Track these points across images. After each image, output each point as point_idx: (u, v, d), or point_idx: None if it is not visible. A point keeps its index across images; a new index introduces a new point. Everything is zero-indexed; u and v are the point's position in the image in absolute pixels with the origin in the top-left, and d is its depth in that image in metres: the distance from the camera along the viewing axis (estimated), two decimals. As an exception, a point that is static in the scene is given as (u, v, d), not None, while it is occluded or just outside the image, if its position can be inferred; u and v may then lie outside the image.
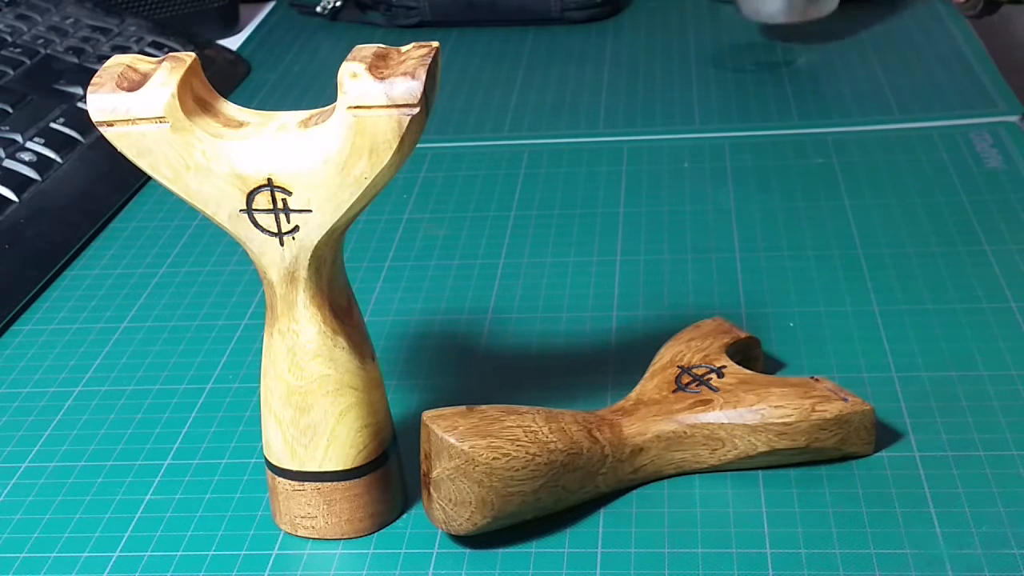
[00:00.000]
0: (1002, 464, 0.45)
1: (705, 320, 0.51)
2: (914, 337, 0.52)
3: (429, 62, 0.38)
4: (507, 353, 0.54)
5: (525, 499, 0.42)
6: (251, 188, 0.39)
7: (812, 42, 0.84)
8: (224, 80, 0.85)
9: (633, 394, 0.47)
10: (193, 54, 0.40)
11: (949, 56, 0.80)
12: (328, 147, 0.38)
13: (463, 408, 0.43)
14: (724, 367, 0.47)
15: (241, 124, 0.40)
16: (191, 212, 0.68)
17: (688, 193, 0.66)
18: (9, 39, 0.82)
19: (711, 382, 0.46)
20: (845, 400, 0.45)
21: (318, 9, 0.97)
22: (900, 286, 0.56)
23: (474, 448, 0.41)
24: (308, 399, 0.42)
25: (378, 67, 0.38)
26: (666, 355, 0.48)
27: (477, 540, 0.43)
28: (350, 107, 0.38)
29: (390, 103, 0.37)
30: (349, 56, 0.38)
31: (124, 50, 0.84)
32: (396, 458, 0.45)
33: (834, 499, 0.44)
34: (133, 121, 0.39)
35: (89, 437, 0.51)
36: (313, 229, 0.40)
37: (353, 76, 0.38)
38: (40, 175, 0.69)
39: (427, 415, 0.42)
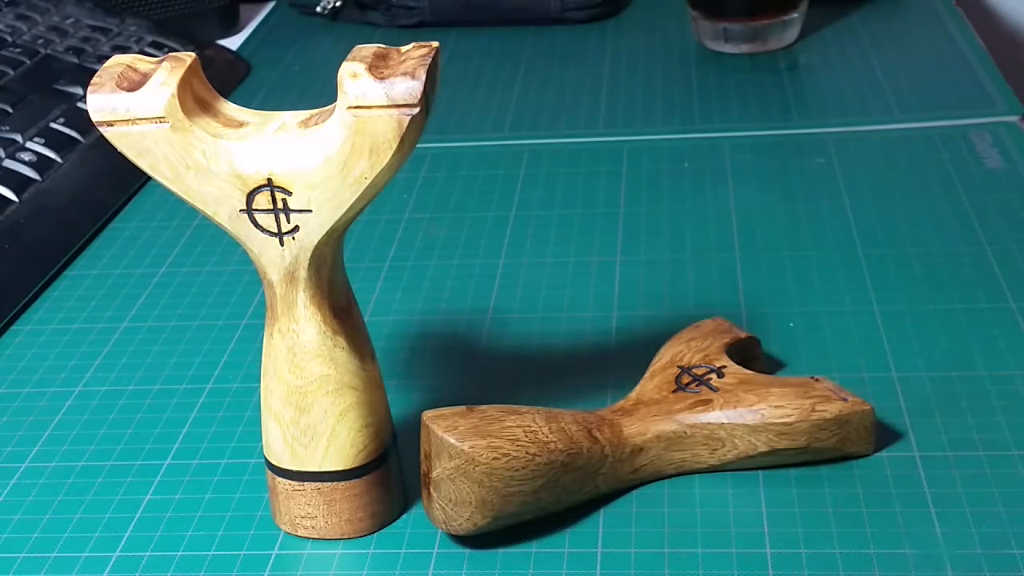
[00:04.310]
0: (1002, 464, 0.45)
1: (705, 320, 0.51)
2: (914, 337, 0.52)
3: (429, 62, 0.38)
4: (507, 353, 0.54)
5: (525, 499, 0.42)
6: (251, 188, 0.39)
7: (812, 42, 0.84)
8: (224, 80, 0.85)
9: (633, 394, 0.47)
10: (193, 54, 0.40)
11: (949, 56, 0.80)
12: (328, 147, 0.38)
13: (463, 408, 0.43)
14: (724, 367, 0.47)
15: (241, 124, 0.40)
16: (191, 212, 0.68)
17: (688, 193, 0.66)
18: (9, 39, 0.82)
19: (711, 382, 0.46)
20: (845, 400, 0.45)
21: (318, 9, 0.97)
22: (900, 286, 0.56)
23: (474, 448, 0.41)
24: (308, 399, 0.42)
25: (378, 67, 0.38)
26: (666, 355, 0.48)
27: (477, 540, 0.43)
28: (350, 107, 0.38)
29: (390, 103, 0.37)
30: (349, 56, 0.38)
31: (124, 50, 0.84)
32: (396, 458, 0.45)
33: (834, 499, 0.44)
34: (133, 121, 0.39)
35: (89, 437, 0.51)
36: (313, 229, 0.40)
37: (353, 76, 0.38)
38: (40, 175, 0.69)
39: (427, 415, 0.42)
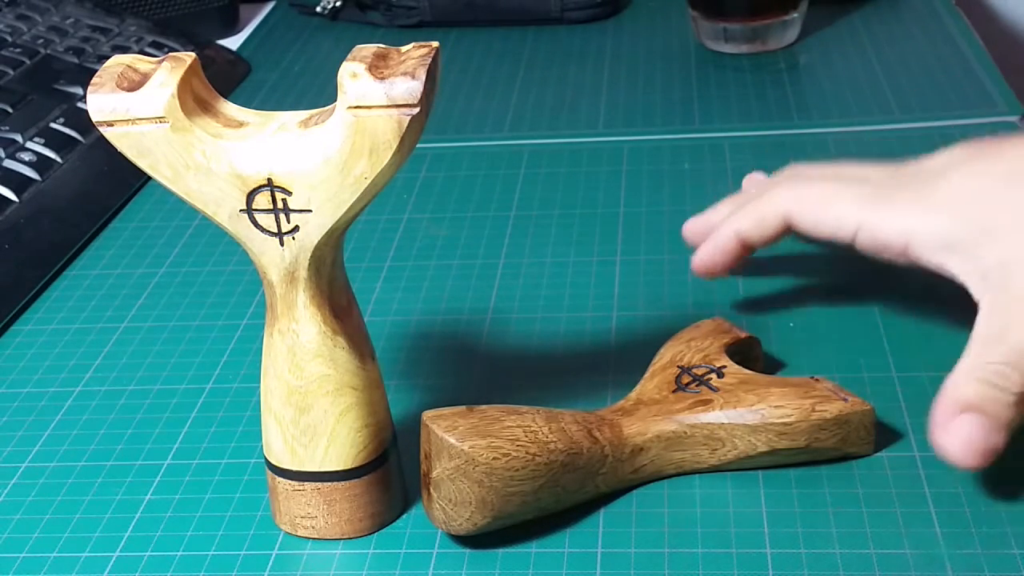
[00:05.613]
0: (1002, 464, 0.45)
1: (705, 320, 0.51)
2: (914, 337, 0.52)
3: (429, 62, 0.38)
4: (507, 353, 0.54)
5: (525, 499, 0.42)
6: (251, 188, 0.39)
7: (812, 42, 0.84)
8: (224, 80, 0.85)
9: (633, 394, 0.47)
10: (193, 54, 0.40)
11: (949, 56, 0.80)
12: (328, 147, 0.38)
13: (463, 408, 0.43)
14: (724, 367, 0.47)
15: (241, 124, 0.40)
16: (191, 212, 0.68)
17: (688, 193, 0.66)
18: (9, 39, 0.82)
19: (711, 382, 0.46)
20: (845, 400, 0.45)
21: (318, 9, 0.97)
22: (900, 286, 0.56)
23: (474, 448, 0.41)
24: (308, 399, 0.42)
25: (378, 67, 0.38)
26: (666, 355, 0.48)
27: (477, 540, 0.43)
28: (350, 107, 0.38)
29: (390, 103, 0.37)
30: (349, 56, 0.38)
31: (124, 50, 0.84)
32: (396, 458, 0.45)
33: (834, 499, 0.44)
34: (133, 121, 0.39)
35: (89, 437, 0.51)
36: (313, 229, 0.40)
37: (353, 76, 0.38)
38: (40, 175, 0.69)
39: (427, 415, 0.42)
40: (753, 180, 0.59)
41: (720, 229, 0.52)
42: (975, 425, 0.42)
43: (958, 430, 0.42)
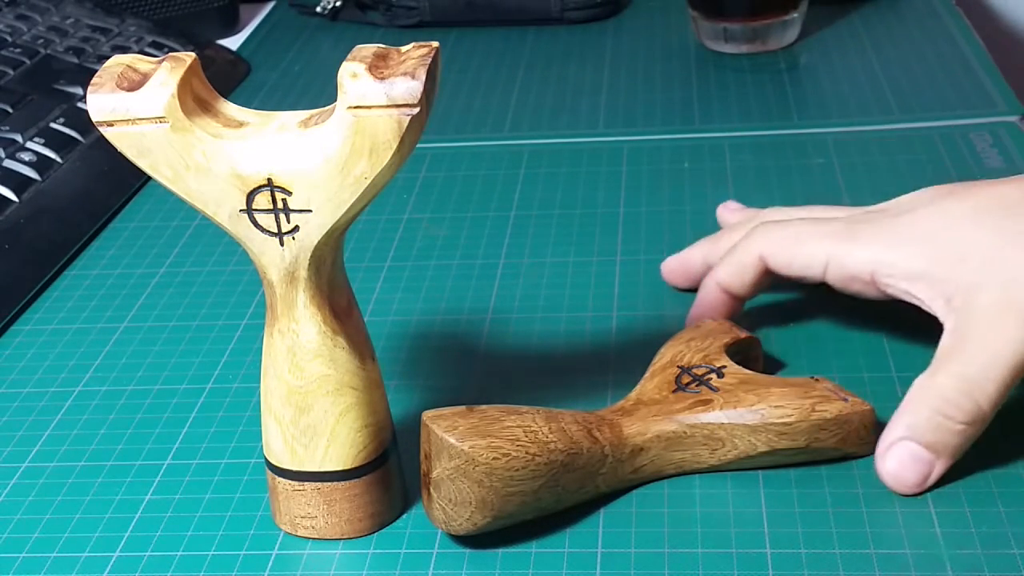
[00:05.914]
0: (1002, 464, 0.45)
1: (705, 320, 0.51)
2: (914, 337, 0.52)
3: (429, 62, 0.38)
4: (507, 353, 0.54)
5: (525, 499, 0.42)
6: (251, 188, 0.39)
7: (812, 42, 0.84)
8: (224, 80, 0.85)
9: (633, 394, 0.47)
10: (193, 54, 0.40)
11: (949, 56, 0.80)
12: (328, 147, 0.38)
13: (463, 408, 0.43)
14: (724, 367, 0.47)
15: (241, 124, 0.40)
16: (191, 212, 0.68)
17: (688, 193, 0.66)
18: (9, 39, 0.82)
19: (711, 382, 0.46)
20: (845, 400, 0.45)
21: (318, 9, 0.97)
22: (900, 286, 0.56)
23: (474, 448, 0.41)
24: (308, 399, 0.42)
25: (378, 67, 0.38)
26: (666, 355, 0.48)
27: (477, 540, 0.43)
28: (350, 107, 0.38)
29: (390, 103, 0.37)
30: (349, 56, 0.38)
31: (124, 50, 0.84)
32: (396, 458, 0.45)
33: (834, 499, 0.44)
34: (133, 121, 0.39)
35: (89, 437, 0.51)
36: (313, 229, 0.40)
37: (353, 76, 0.38)
38: (40, 175, 0.69)
39: (427, 415, 0.42)
40: (729, 208, 0.59)
41: (703, 286, 0.53)
42: (908, 457, 0.43)
43: (892, 459, 0.44)
